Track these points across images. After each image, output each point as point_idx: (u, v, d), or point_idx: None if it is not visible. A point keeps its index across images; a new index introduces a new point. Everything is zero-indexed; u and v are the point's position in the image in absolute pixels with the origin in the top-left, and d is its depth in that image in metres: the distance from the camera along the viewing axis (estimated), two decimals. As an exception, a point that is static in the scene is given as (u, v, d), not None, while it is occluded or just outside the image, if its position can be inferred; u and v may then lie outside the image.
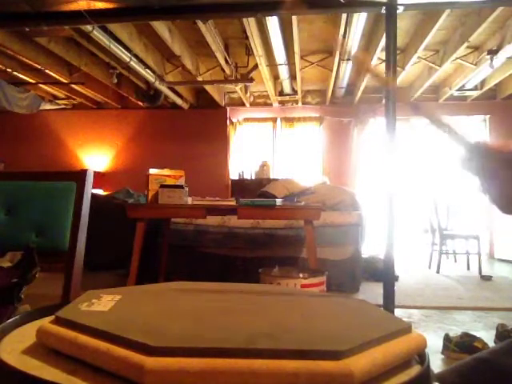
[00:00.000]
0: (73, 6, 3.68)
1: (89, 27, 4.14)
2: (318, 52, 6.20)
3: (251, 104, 7.97)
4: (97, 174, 7.32)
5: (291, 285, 2.58)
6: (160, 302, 0.81)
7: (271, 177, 7.12)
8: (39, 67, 5.83)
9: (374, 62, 5.70)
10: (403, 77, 6.50)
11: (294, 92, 7.28)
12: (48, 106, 7.63)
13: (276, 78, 6.92)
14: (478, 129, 7.59)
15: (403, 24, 5.09)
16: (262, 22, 4.50)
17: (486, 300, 3.59)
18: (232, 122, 8.07)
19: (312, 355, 0.53)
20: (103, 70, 6.32)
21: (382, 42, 4.93)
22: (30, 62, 5.65)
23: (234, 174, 7.83)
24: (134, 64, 5.39)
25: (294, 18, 4.50)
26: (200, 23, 4.43)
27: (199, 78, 6.31)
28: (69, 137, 8.18)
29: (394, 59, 2.30)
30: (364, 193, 6.83)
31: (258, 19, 4.43)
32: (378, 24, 5.01)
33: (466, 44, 5.04)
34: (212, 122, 7.94)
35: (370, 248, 4.97)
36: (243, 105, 7.85)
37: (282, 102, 7.88)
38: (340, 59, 5.64)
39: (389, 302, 2.53)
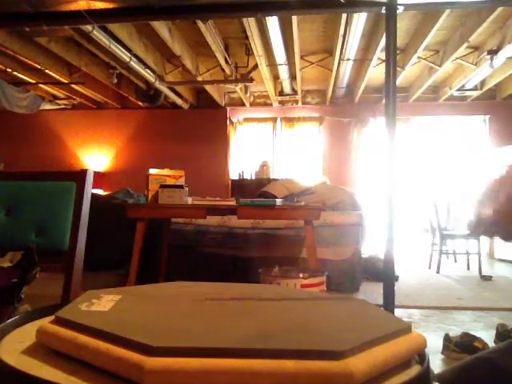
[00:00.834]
0: (73, 6, 3.68)
1: (89, 27, 4.14)
2: (318, 52, 6.20)
3: (251, 104, 7.97)
4: (97, 174, 7.32)
5: (291, 285, 2.58)
6: (160, 301, 0.81)
7: (271, 177, 7.13)
8: (39, 67, 5.82)
9: (374, 62, 5.71)
10: (403, 77, 6.50)
11: (294, 92, 7.28)
12: (48, 106, 7.63)
13: (276, 78, 6.92)
14: (478, 129, 7.59)
15: (403, 24, 5.09)
16: (262, 22, 4.50)
17: (486, 300, 3.59)
18: (232, 122, 8.07)
19: (312, 355, 0.53)
20: (103, 70, 6.32)
21: (382, 42, 4.93)
22: (30, 62, 5.65)
23: (234, 174, 7.83)
24: (134, 64, 5.39)
25: (294, 18, 4.49)
26: (200, 23, 4.43)
27: (199, 78, 6.31)
28: (69, 137, 8.18)
29: (393, 59, 2.30)
30: (364, 193, 6.83)
31: (257, 19, 4.43)
32: (378, 24, 5.01)
33: (465, 44, 5.04)
34: (212, 122, 7.94)
35: (370, 248, 4.96)
36: (243, 105, 7.85)
37: (282, 102, 7.88)
38: (340, 59, 5.64)
39: (389, 302, 2.52)
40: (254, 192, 4.88)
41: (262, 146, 8.08)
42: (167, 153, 7.66)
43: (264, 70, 5.95)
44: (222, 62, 5.74)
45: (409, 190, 7.30)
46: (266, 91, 7.22)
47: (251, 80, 6.12)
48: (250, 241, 3.94)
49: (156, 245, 3.77)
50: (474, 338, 2.20)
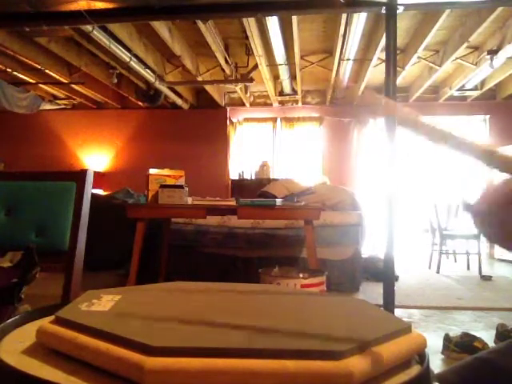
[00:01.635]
0: (73, 6, 3.68)
1: (89, 27, 4.14)
2: (318, 52, 6.20)
3: (251, 104, 7.97)
4: (97, 174, 7.31)
5: (291, 285, 2.58)
6: (160, 302, 0.81)
7: (271, 177, 7.13)
8: (39, 67, 5.83)
9: (374, 62, 5.71)
10: (403, 77, 6.50)
11: (294, 92, 7.28)
12: (48, 106, 7.63)
13: (276, 77, 6.93)
14: (478, 129, 7.59)
15: (403, 24, 5.09)
16: (262, 22, 4.50)
17: (486, 300, 3.59)
18: (232, 122, 8.07)
19: (312, 355, 0.53)
20: (103, 70, 6.32)
21: (382, 42, 4.93)
22: (30, 62, 5.65)
23: (234, 174, 7.83)
24: (134, 64, 5.39)
25: (294, 18, 4.49)
26: (200, 23, 4.43)
27: (199, 78, 6.31)
28: (69, 137, 8.18)
29: (394, 59, 2.30)
30: (364, 193, 6.83)
31: (257, 19, 4.43)
32: (378, 24, 5.01)
33: (465, 44, 5.04)
34: (212, 122, 7.94)
35: (370, 248, 4.96)
36: (243, 105, 7.85)
37: (281, 102, 7.88)
38: (340, 59, 5.64)
39: (389, 302, 2.53)
40: (254, 192, 4.88)
41: (261, 146, 8.08)
42: (167, 153, 7.66)
43: (264, 70, 5.95)
44: (222, 62, 5.74)
45: (409, 190, 7.30)
46: (266, 91, 7.22)
47: (251, 80, 6.12)
48: (250, 241, 3.94)
49: (156, 245, 3.76)
50: (474, 337, 2.20)
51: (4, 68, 5.84)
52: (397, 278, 4.22)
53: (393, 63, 2.28)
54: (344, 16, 4.43)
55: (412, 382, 0.57)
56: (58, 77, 6.26)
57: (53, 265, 1.34)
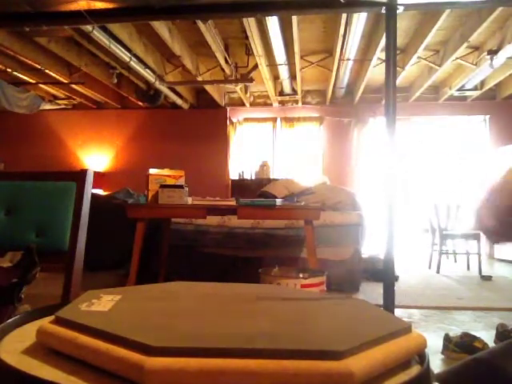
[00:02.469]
0: (73, 6, 3.68)
1: (89, 27, 4.14)
2: (318, 52, 6.20)
3: (251, 104, 7.97)
4: (97, 174, 7.32)
5: (291, 285, 2.58)
6: (160, 301, 0.81)
7: (271, 177, 7.13)
8: (39, 67, 5.83)
9: (374, 62, 5.71)
10: (403, 77, 6.50)
11: (294, 92, 7.28)
12: (48, 106, 7.63)
13: (276, 77, 6.92)
14: (478, 129, 7.59)
15: (403, 24, 5.09)
16: (262, 22, 4.50)
17: (486, 300, 3.59)
18: (232, 122, 8.07)
19: (312, 355, 0.53)
20: (103, 70, 6.32)
21: (382, 42, 4.93)
22: (30, 62, 5.65)
23: (234, 174, 7.83)
24: (134, 64, 5.39)
25: (294, 18, 4.49)
26: (200, 23, 4.43)
27: (199, 78, 6.31)
28: (69, 137, 8.18)
29: (393, 59, 2.30)
30: (364, 193, 6.83)
31: (257, 19, 4.43)
32: (378, 24, 5.01)
33: (465, 44, 5.04)
34: (212, 122, 7.94)
35: (370, 248, 4.96)
36: (243, 105, 7.85)
37: (281, 102, 7.88)
38: (340, 59, 5.64)
39: (389, 302, 2.52)
40: (254, 192, 4.88)
41: (261, 146, 8.08)
42: (167, 153, 7.66)
43: (264, 70, 5.95)
44: (222, 62, 5.74)
45: (409, 190, 7.30)
46: (266, 91, 7.22)
47: (251, 80, 6.12)
48: (250, 241, 3.93)
49: (156, 245, 3.77)
50: (474, 337, 2.20)
51: (4, 68, 5.84)
52: (397, 278, 4.22)
53: (393, 63, 2.28)
54: (344, 16, 4.43)
55: (412, 382, 0.57)
56: (58, 77, 6.27)
57: (53, 265, 1.34)
